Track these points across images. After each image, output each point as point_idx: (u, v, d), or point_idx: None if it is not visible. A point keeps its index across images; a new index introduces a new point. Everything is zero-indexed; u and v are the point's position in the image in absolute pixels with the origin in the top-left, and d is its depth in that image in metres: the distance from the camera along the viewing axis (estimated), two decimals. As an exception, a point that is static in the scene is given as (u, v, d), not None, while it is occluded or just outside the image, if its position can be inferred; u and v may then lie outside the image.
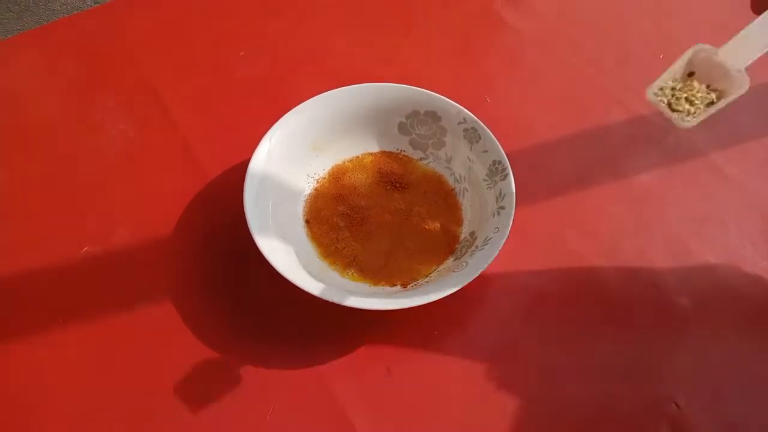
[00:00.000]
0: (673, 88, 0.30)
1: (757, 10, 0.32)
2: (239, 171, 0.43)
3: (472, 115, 0.46)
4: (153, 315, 0.43)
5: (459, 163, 0.48)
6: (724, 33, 0.60)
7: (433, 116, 0.48)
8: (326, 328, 0.43)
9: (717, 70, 0.30)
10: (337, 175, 0.49)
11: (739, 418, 0.40)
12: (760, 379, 0.41)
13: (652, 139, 0.53)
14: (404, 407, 0.40)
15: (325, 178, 0.49)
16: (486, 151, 0.46)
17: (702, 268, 0.46)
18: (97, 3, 1.41)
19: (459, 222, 0.46)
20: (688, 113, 0.29)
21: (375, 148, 0.50)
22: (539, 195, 0.49)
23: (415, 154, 0.50)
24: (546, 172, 0.51)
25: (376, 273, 0.44)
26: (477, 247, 0.42)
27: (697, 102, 0.30)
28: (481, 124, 0.46)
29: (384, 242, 0.45)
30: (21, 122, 0.53)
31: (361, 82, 0.48)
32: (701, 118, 0.30)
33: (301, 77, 0.56)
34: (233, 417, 0.39)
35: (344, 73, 0.56)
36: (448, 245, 0.45)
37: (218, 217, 0.47)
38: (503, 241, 0.40)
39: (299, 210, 0.47)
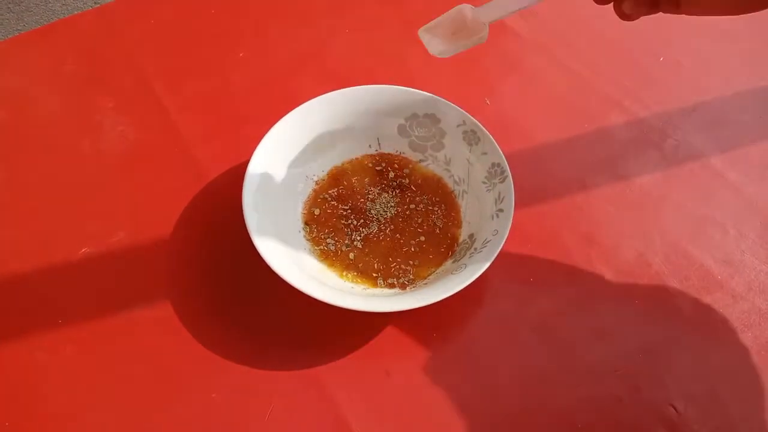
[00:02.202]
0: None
1: None
2: (238, 172, 0.43)
3: (471, 117, 0.46)
4: (151, 316, 0.43)
5: (458, 166, 0.48)
6: (724, 33, 0.60)
7: (432, 118, 0.48)
8: (325, 329, 0.43)
9: (465, 26, 0.38)
10: (336, 177, 0.49)
11: (738, 422, 0.40)
12: (758, 383, 0.41)
13: (650, 142, 0.53)
14: (403, 409, 0.40)
15: (324, 180, 0.49)
16: (485, 154, 0.46)
17: (700, 270, 0.46)
18: (97, 4, 1.41)
19: (458, 224, 0.46)
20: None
21: (374, 150, 0.50)
22: (538, 197, 0.49)
23: (415, 156, 0.50)
24: (545, 175, 0.51)
25: (375, 275, 0.44)
26: (476, 249, 0.42)
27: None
28: (481, 126, 0.46)
29: (383, 244, 0.45)
30: (20, 122, 0.53)
31: (361, 84, 0.48)
32: (452, 52, 0.39)
33: (301, 79, 0.57)
34: (232, 418, 0.39)
35: (343, 75, 0.56)
36: (447, 247, 0.45)
37: (217, 218, 0.47)
38: (502, 243, 0.40)
39: (298, 212, 0.47)
